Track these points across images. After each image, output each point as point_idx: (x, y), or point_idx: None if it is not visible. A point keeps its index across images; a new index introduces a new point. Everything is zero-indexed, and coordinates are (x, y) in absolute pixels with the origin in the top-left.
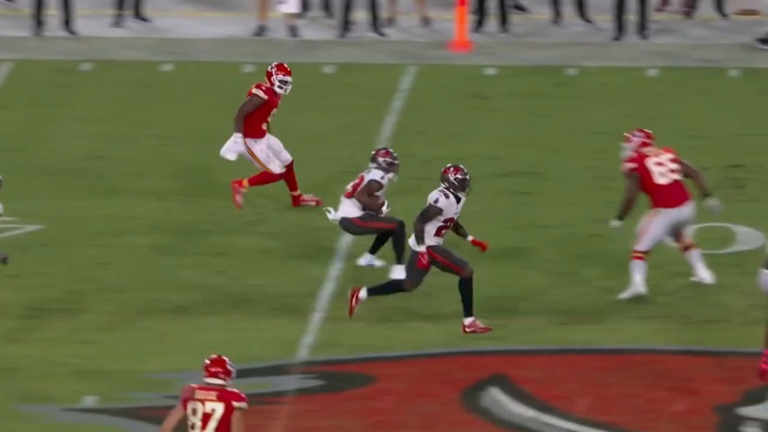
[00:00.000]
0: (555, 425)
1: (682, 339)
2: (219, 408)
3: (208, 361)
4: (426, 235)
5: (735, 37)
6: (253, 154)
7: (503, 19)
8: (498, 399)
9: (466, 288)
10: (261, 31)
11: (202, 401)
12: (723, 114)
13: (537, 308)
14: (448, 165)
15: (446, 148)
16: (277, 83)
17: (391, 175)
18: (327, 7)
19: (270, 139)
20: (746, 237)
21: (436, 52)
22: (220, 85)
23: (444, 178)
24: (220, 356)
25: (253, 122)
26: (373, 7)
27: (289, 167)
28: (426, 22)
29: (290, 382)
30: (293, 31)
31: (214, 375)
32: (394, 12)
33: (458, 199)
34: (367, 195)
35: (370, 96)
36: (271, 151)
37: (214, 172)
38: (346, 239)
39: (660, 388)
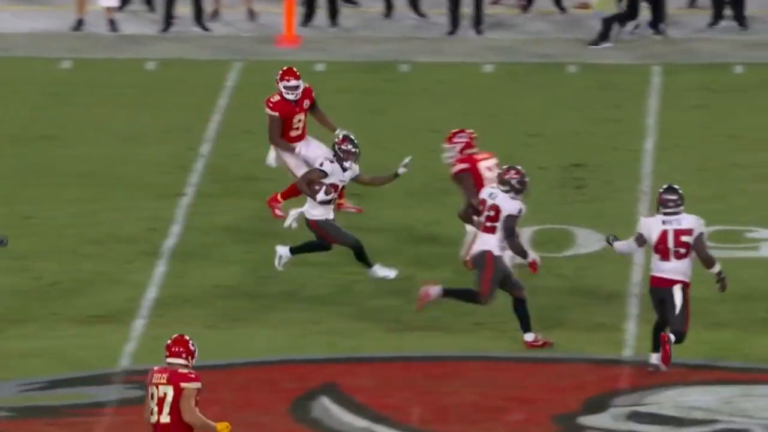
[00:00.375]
0: None
1: (517, 346)
2: (170, 391)
3: (169, 341)
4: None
5: (573, 32)
6: (287, 164)
7: (333, 13)
8: (328, 409)
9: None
10: (79, 25)
11: (157, 385)
12: (562, 111)
13: (369, 314)
14: (506, 167)
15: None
16: (282, 90)
17: (348, 163)
18: (148, 0)
19: (308, 147)
20: (585, 239)
21: (263, 48)
22: (37, 81)
23: (504, 182)
24: (182, 335)
25: (282, 135)
26: (197, 1)
27: None
28: (252, 15)
29: (111, 392)
30: (113, 25)
31: (176, 355)
32: (219, 5)
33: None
34: (306, 183)
35: (194, 93)
36: (304, 158)
37: (30, 172)
38: (169, 243)
39: (496, 396)
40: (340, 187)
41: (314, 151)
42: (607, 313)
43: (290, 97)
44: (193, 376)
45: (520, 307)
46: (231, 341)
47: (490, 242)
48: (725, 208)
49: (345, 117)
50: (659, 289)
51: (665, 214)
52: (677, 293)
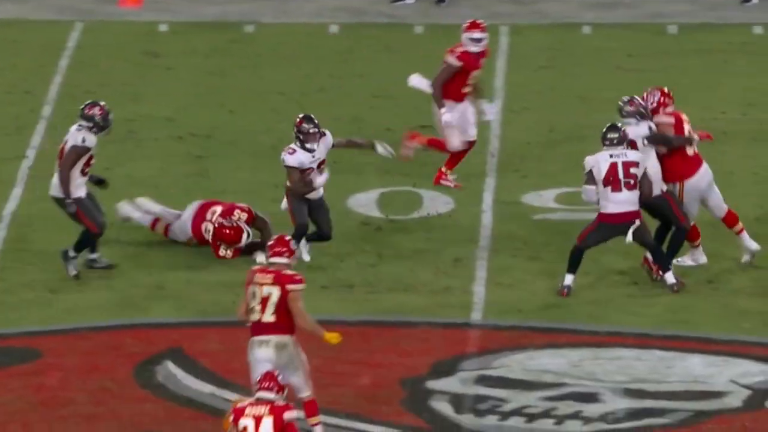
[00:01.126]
0: (233, 400)
1: (364, 309)
2: (275, 292)
3: (272, 241)
4: None
5: None
6: (440, 119)
7: None
8: (173, 374)
9: None
10: None
11: (260, 285)
12: (409, 72)
13: (217, 279)
14: None
15: (119, 109)
16: (467, 42)
17: (311, 144)
18: None
19: (467, 109)
20: (432, 201)
21: (104, 8)
22: None
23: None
24: (283, 235)
25: (452, 87)
26: None
27: (469, 145)
28: None
29: None
30: None
31: (279, 254)
32: None
33: None
34: (300, 187)
35: (35, 54)
36: (459, 123)
37: None
38: (10, 206)
39: (344, 361)
40: (318, 164)
41: (471, 116)
42: (455, 276)
43: (474, 49)
44: (298, 278)
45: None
46: (75, 305)
47: None
48: (574, 170)
49: (189, 79)
50: (614, 226)
51: (610, 148)
52: (629, 236)
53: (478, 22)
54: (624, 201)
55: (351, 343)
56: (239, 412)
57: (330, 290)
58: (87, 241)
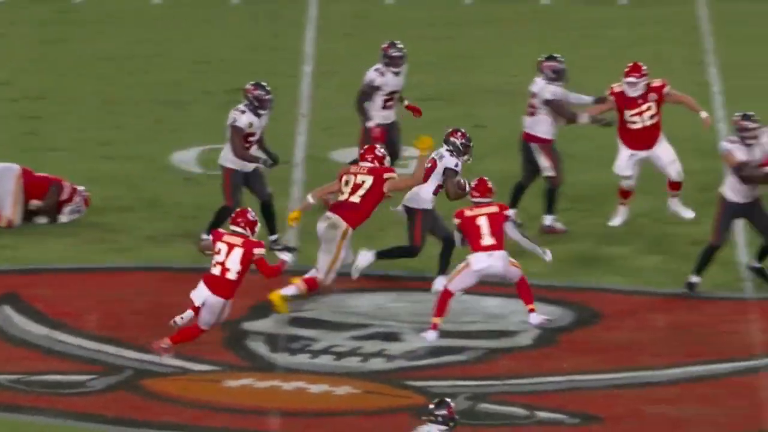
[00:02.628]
0: (67, 341)
1: (187, 257)
2: (369, 180)
3: (362, 150)
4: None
5: None
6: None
7: None
8: (10, 317)
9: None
10: None
11: (355, 174)
12: (226, 39)
13: (49, 229)
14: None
15: None
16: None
17: (465, 157)
18: None
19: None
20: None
21: None
22: None
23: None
24: (371, 146)
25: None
26: None
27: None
28: None
29: None
30: None
31: (366, 160)
32: None
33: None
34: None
35: None
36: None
37: None
38: None
39: (168, 304)
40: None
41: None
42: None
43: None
44: (392, 168)
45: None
46: None
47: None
48: None
49: (23, 45)
50: None
51: None
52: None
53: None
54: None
55: (173, 288)
56: (218, 236)
57: (155, 240)
58: None
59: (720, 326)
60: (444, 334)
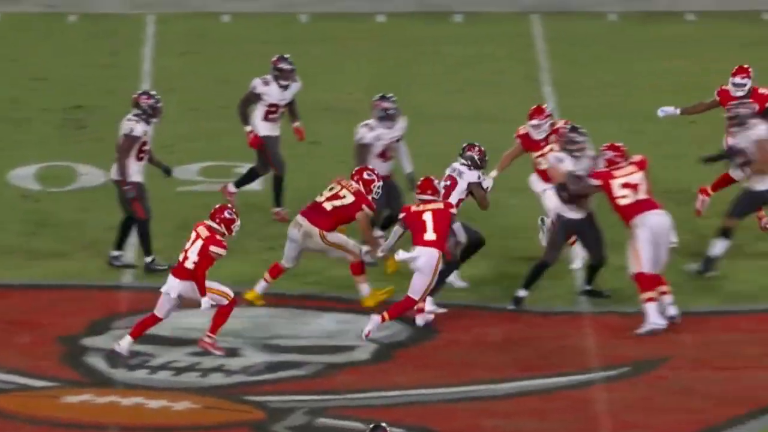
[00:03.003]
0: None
1: (26, 274)
2: (349, 198)
3: (354, 171)
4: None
5: None
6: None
7: None
8: None
9: None
10: None
11: (343, 187)
12: (64, 57)
13: None
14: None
15: None
16: (731, 86)
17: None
18: None
19: None
20: (88, 175)
21: None
22: None
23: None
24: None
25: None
26: None
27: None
28: None
29: None
30: None
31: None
32: None
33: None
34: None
35: None
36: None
37: None
38: None
39: (2, 322)
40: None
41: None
42: (109, 243)
43: (738, 92)
44: (372, 204)
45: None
46: None
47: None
48: (215, 146)
49: None
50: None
51: None
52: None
53: (745, 67)
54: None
55: (14, 305)
56: (198, 224)
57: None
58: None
59: (555, 340)
60: (281, 349)
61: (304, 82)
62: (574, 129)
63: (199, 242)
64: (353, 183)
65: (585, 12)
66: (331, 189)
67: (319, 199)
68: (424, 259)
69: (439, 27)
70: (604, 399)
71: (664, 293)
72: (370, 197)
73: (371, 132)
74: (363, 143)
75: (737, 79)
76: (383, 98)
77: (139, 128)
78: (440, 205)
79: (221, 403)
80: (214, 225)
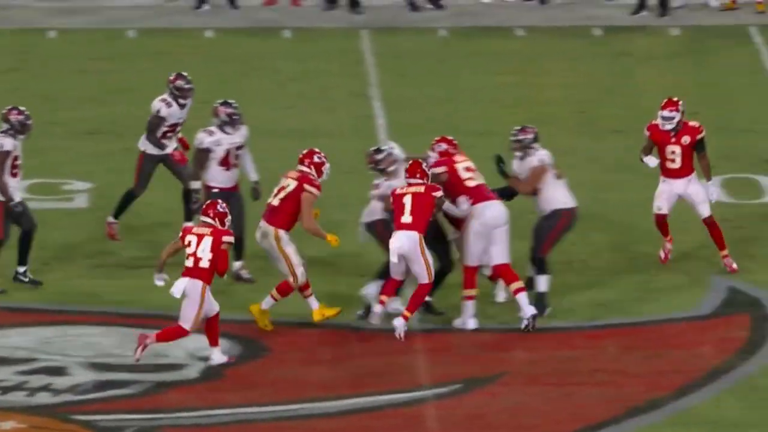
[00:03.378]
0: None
1: None
2: (292, 184)
3: (301, 154)
4: None
5: None
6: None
7: None
8: None
9: None
10: None
11: (285, 176)
12: None
13: None
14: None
15: None
16: (659, 119)
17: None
18: None
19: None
20: None
21: None
22: None
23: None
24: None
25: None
26: None
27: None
28: None
29: None
30: None
31: (300, 162)
32: None
33: None
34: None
35: None
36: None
37: None
38: None
39: None
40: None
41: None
42: None
43: (666, 126)
44: (317, 183)
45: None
46: None
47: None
48: (42, 163)
49: None
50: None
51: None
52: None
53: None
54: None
55: None
56: (187, 231)
57: None
58: None
59: (386, 357)
60: (109, 367)
61: (132, 97)
62: (378, 150)
63: (207, 239)
64: (299, 167)
65: (414, 28)
66: (277, 187)
67: (270, 200)
68: (408, 243)
69: (269, 43)
70: (435, 416)
71: (519, 290)
72: (320, 180)
73: (210, 137)
74: (201, 148)
75: (665, 113)
76: (225, 104)
77: (8, 143)
78: (421, 189)
79: (48, 423)
80: (209, 220)
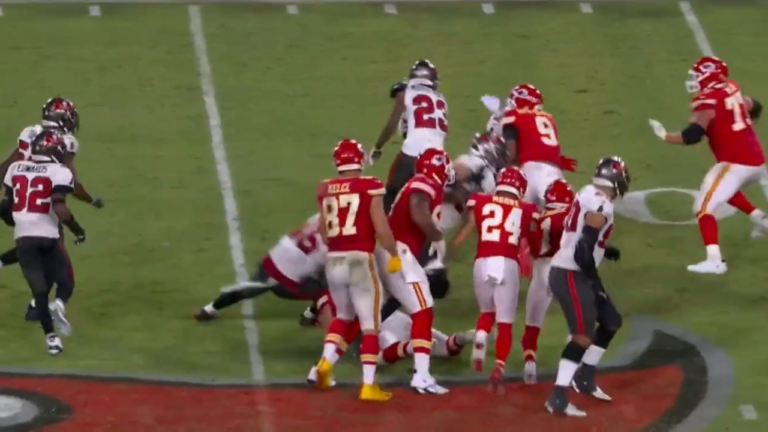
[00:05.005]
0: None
1: None
2: (354, 200)
3: (337, 148)
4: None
5: None
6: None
7: None
8: None
9: None
10: None
11: (336, 196)
12: None
13: None
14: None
15: None
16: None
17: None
18: None
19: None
20: None
21: None
22: None
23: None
24: (348, 140)
25: None
26: None
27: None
28: None
29: None
30: None
31: (348, 161)
32: None
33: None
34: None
35: None
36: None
37: None
38: None
39: None
40: None
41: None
42: None
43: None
44: (378, 181)
45: None
46: None
47: None
48: None
49: None
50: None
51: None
52: None
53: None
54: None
55: None
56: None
57: None
58: None
59: (224, 420)
60: None
61: None
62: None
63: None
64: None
65: (257, 3)
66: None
67: (330, 232)
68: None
69: (71, 23)
70: None
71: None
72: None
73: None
74: None
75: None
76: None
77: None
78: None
79: None
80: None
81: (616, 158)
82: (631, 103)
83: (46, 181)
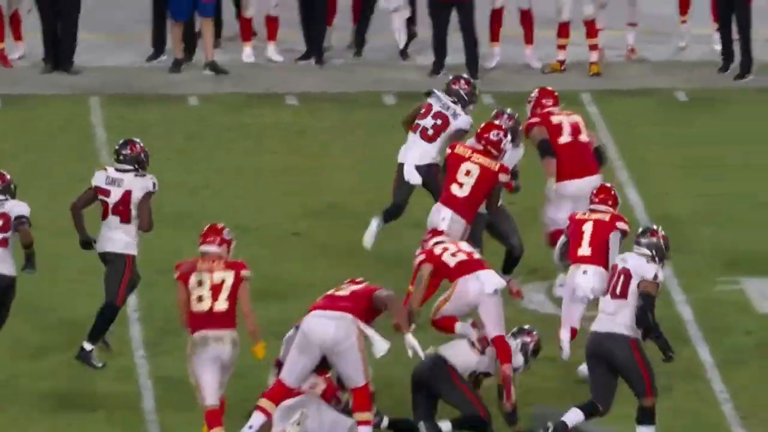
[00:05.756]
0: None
1: None
2: (229, 277)
3: (204, 230)
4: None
5: None
6: None
7: None
8: None
9: None
10: None
11: (209, 271)
12: None
13: None
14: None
15: None
16: None
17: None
18: None
19: None
20: None
21: None
22: None
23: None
24: (215, 224)
25: None
26: None
27: None
28: None
29: None
30: None
31: (211, 243)
32: None
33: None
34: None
35: None
36: None
37: None
38: None
39: None
40: None
41: None
42: None
43: None
44: (245, 264)
45: None
46: None
47: None
48: None
49: None
50: None
51: None
52: None
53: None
54: None
55: None
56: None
57: None
58: None
59: None
60: None
61: None
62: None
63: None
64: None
65: (158, 94)
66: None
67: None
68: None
69: None
70: None
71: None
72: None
73: None
74: None
75: None
76: None
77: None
78: (606, 217)
79: None
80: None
81: (654, 227)
82: None
83: (5, 216)
